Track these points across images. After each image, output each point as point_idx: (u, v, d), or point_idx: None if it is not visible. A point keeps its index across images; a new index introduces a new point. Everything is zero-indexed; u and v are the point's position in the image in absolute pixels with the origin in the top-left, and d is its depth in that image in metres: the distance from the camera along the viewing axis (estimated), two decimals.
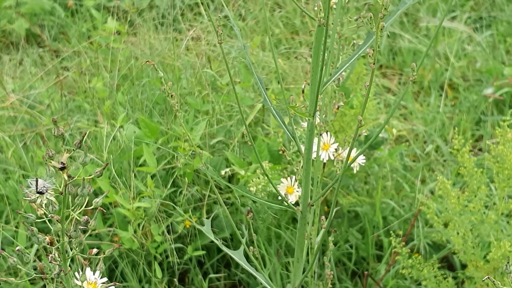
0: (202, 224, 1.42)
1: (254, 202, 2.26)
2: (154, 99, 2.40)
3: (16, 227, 2.08)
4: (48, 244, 0.85)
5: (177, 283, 2.21)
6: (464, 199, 1.66)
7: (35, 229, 0.84)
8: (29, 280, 2.06)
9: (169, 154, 2.25)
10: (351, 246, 2.26)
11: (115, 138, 2.27)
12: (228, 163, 2.27)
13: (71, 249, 0.88)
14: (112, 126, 2.32)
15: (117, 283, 0.94)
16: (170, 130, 2.28)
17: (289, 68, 2.66)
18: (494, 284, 0.88)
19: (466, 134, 2.53)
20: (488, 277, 0.89)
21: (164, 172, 2.30)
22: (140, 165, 2.20)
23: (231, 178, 2.41)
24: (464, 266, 2.19)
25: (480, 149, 2.57)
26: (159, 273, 2.15)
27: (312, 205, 1.16)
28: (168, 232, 2.22)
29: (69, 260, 0.89)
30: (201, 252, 2.22)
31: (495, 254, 1.61)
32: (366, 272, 1.64)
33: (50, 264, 0.85)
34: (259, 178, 2.02)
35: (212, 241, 2.33)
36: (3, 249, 1.37)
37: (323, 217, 1.25)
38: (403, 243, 1.78)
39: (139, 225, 2.15)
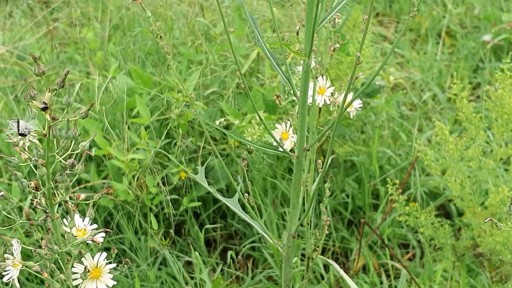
0: (196, 173, 1.39)
1: (249, 152, 2.22)
2: (146, 49, 2.34)
3: (10, 179, 2.05)
4: (33, 189, 0.81)
5: (173, 235, 2.19)
6: (462, 145, 1.62)
7: (18, 173, 0.80)
8: (24, 233, 2.03)
9: (162, 105, 2.20)
10: (347, 196, 2.23)
11: (107, 89, 2.22)
12: (222, 114, 2.23)
13: (58, 195, 0.84)
14: (104, 77, 2.26)
15: (108, 229, 0.91)
16: (163, 81, 2.23)
17: (283, 17, 2.59)
18: (496, 225, 0.84)
19: (463, 81, 2.48)
20: (490, 219, 0.85)
21: (158, 123, 2.25)
22: (134, 117, 2.16)
23: (225, 129, 2.37)
24: (460, 214, 2.16)
25: (477, 97, 2.52)
26: (155, 225, 2.13)
27: (308, 150, 1.12)
28: (163, 183, 2.19)
29: (57, 206, 0.85)
30: (196, 204, 2.19)
31: (493, 200, 1.58)
32: (362, 220, 1.61)
33: (36, 209, 0.81)
34: (254, 129, 1.98)
35: (208, 192, 2.30)
36: None
37: (319, 160, 1.21)
38: (400, 190, 1.75)
39: (133, 177, 2.12)
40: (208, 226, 2.24)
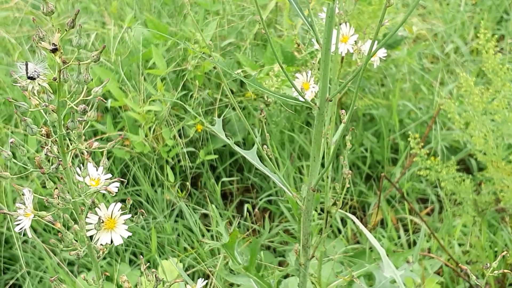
0: (213, 125, 1.33)
1: (267, 105, 2.16)
2: None
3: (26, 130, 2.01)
4: (44, 136, 0.76)
5: (189, 187, 2.16)
6: (488, 97, 1.55)
7: (28, 119, 0.76)
8: (41, 183, 2.01)
9: (178, 56, 2.14)
10: (366, 150, 2.18)
11: (123, 39, 2.16)
12: (239, 66, 2.16)
13: (71, 143, 0.79)
14: (120, 27, 2.20)
15: (122, 179, 0.86)
16: (180, 31, 2.16)
17: None
18: None
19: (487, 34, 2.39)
20: None
21: (174, 75, 2.20)
22: (149, 68, 2.10)
23: (242, 81, 2.31)
24: (481, 169, 2.10)
25: (501, 49, 2.43)
26: (171, 177, 2.10)
27: (331, 100, 1.06)
28: (180, 136, 2.14)
29: (70, 155, 0.81)
30: (213, 156, 2.15)
31: None
32: (382, 174, 1.56)
33: (47, 157, 0.77)
34: (272, 81, 1.92)
35: (224, 146, 2.26)
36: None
37: (343, 110, 1.15)
38: (421, 144, 1.69)
39: (150, 129, 2.08)
40: (224, 179, 2.20)
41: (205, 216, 2.16)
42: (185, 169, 2.15)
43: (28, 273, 1.92)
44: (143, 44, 2.08)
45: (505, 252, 0.99)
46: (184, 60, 2.14)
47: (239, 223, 2.15)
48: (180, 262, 1.98)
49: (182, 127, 2.15)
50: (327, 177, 1.35)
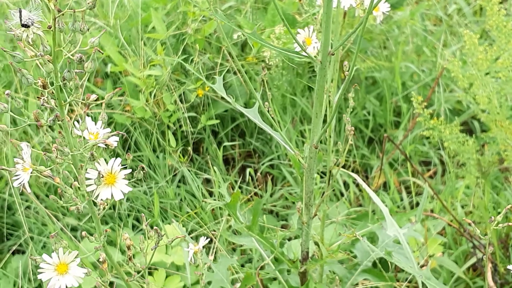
0: (214, 83, 1.31)
1: (268, 69, 2.13)
2: None
3: (27, 94, 1.99)
4: (40, 87, 0.74)
5: (191, 152, 2.14)
6: (492, 55, 1.52)
7: (24, 70, 0.73)
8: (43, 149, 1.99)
9: (178, 19, 2.11)
10: (368, 113, 2.15)
11: (121, 3, 2.13)
12: (240, 28, 2.13)
13: (68, 95, 0.77)
14: None
15: (122, 132, 0.84)
16: None
17: None
18: None
19: None
20: None
21: (174, 39, 2.16)
22: (149, 32, 2.07)
23: (243, 46, 2.28)
24: (484, 131, 2.08)
25: (505, 10, 2.39)
26: (173, 142, 2.08)
27: (333, 54, 1.04)
28: (181, 101, 2.12)
29: (67, 107, 0.79)
30: (214, 121, 2.13)
31: None
32: (385, 135, 1.54)
33: (44, 108, 0.75)
34: (273, 43, 1.89)
35: (226, 110, 2.24)
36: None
37: (345, 62, 1.12)
38: (424, 104, 1.67)
39: (150, 94, 2.05)
40: (226, 143, 2.19)
41: (208, 181, 2.15)
42: (187, 134, 2.13)
43: (32, 238, 1.91)
44: (142, 8, 2.04)
45: (510, 206, 0.98)
46: (184, 24, 2.11)
47: (241, 187, 2.14)
48: (183, 226, 1.98)
49: (183, 92, 2.13)
50: (329, 137, 1.33)
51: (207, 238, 1.13)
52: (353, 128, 1.17)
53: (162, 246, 1.97)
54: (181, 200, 2.07)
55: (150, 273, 1.89)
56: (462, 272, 1.72)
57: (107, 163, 0.86)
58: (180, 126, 2.14)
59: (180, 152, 2.13)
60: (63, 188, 0.84)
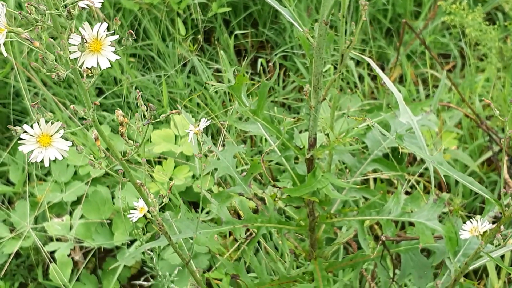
0: None
1: None
2: None
3: None
4: None
5: (202, 41, 2.03)
6: None
7: None
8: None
9: None
10: (387, 2, 2.01)
11: None
12: None
13: None
14: None
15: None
16: None
17: None
18: None
19: None
20: None
21: None
22: None
23: None
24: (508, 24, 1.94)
25: None
26: (182, 30, 1.97)
27: None
28: None
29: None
30: (226, 9, 2.00)
31: None
32: (403, 21, 1.41)
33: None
34: None
35: None
36: None
37: None
38: None
39: None
40: (238, 31, 2.07)
41: (218, 72, 2.06)
42: (197, 22, 2.02)
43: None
44: None
45: None
46: None
47: (253, 79, 2.05)
48: (193, 117, 1.90)
49: None
50: (343, 17, 1.21)
51: (208, 120, 1.05)
52: (367, 2, 1.05)
53: (171, 136, 1.91)
54: (191, 91, 1.98)
55: (159, 163, 1.83)
56: (476, 166, 1.64)
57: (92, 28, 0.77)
58: (190, 14, 2.02)
59: (190, 41, 2.02)
60: (44, 54, 0.75)
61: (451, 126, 1.58)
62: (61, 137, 0.77)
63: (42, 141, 0.77)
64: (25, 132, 0.76)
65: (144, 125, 0.89)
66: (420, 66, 1.91)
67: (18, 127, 0.77)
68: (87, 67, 0.78)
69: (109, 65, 0.77)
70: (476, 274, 1.66)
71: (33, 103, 0.78)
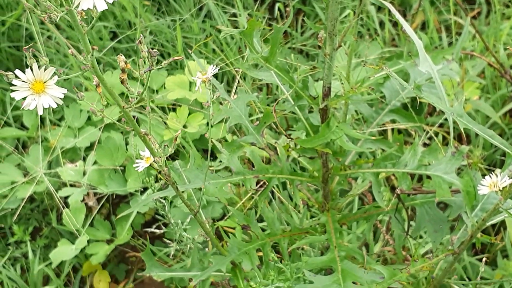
0: None
1: None
2: None
3: None
4: None
5: None
6: None
7: None
8: None
9: None
10: None
11: None
12: None
13: None
14: None
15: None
16: None
17: None
18: None
19: None
20: None
21: None
22: None
23: None
24: None
25: None
26: None
27: None
28: None
29: None
30: None
31: None
32: None
33: None
34: None
35: None
36: None
37: None
38: None
39: None
40: None
41: (235, 16, 1.98)
42: None
43: None
44: None
45: None
46: None
47: (270, 24, 1.97)
48: (208, 63, 1.84)
49: None
50: None
51: (216, 67, 0.99)
52: None
53: (185, 82, 1.85)
54: (206, 36, 1.91)
55: (173, 109, 1.79)
56: (498, 117, 1.56)
57: None
58: None
59: None
60: None
61: (474, 76, 1.50)
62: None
63: (36, 87, 0.72)
64: (17, 77, 0.71)
65: (145, 72, 0.83)
66: (444, 12, 1.82)
67: (10, 72, 0.72)
68: (82, 9, 0.72)
69: (106, 7, 0.71)
70: (494, 228, 1.61)
71: (25, 47, 0.73)
